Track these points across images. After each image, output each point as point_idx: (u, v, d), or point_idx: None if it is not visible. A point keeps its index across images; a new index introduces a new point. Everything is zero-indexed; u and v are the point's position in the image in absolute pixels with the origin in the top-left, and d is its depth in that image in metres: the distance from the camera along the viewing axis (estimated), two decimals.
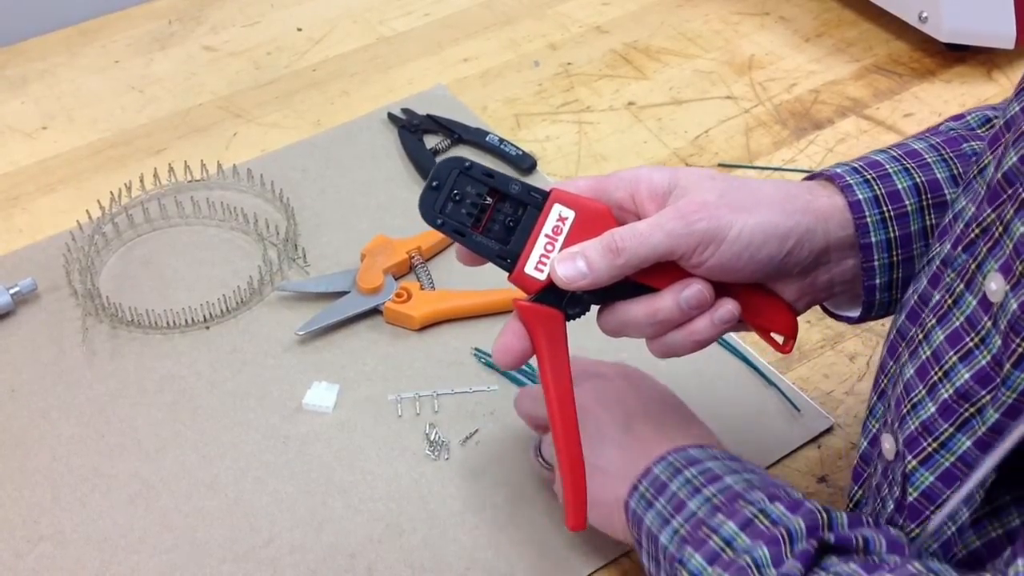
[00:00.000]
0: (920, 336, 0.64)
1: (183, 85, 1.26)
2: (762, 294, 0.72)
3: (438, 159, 1.15)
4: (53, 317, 1.01)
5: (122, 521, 0.86)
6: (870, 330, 0.99)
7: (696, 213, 0.68)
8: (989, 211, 0.61)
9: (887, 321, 0.98)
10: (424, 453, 0.90)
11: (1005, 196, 0.60)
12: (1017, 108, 0.65)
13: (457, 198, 0.70)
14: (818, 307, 0.79)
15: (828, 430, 0.92)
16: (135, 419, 0.93)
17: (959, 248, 0.64)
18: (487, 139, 1.16)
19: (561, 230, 0.70)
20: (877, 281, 0.72)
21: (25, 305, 1.02)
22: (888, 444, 0.66)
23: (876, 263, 0.72)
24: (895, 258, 0.72)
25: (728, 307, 0.70)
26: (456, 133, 1.17)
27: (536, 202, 0.71)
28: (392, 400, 0.94)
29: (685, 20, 1.34)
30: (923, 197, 0.72)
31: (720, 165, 1.15)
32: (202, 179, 1.13)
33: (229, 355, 0.98)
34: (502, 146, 1.15)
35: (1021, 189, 0.58)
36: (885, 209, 0.71)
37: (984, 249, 0.61)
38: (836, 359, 0.97)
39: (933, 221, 0.72)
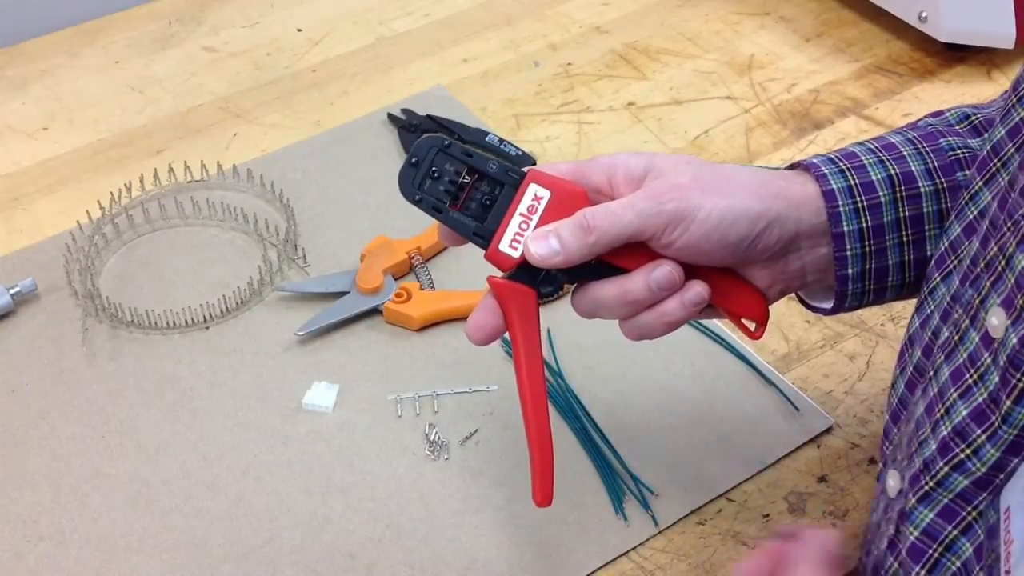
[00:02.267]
0: (930, 373, 0.64)
1: (183, 86, 1.26)
2: (733, 279, 0.73)
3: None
4: (53, 318, 1.01)
5: (122, 521, 0.87)
6: (870, 330, 0.99)
7: (667, 194, 0.69)
8: (992, 245, 0.61)
9: (887, 321, 0.98)
10: (424, 453, 0.91)
11: (1006, 229, 0.60)
12: (1003, 132, 0.65)
13: (436, 175, 0.72)
14: (813, 313, 0.80)
15: (828, 430, 0.92)
16: (135, 419, 0.93)
17: (966, 284, 0.64)
18: (487, 139, 1.16)
19: (536, 209, 0.71)
20: (849, 271, 0.73)
21: (25, 305, 1.02)
22: (893, 481, 0.66)
23: (848, 253, 0.72)
24: (867, 248, 0.72)
25: (697, 288, 0.71)
26: (456, 133, 1.17)
27: (513, 181, 0.72)
28: (392, 400, 0.94)
29: (685, 20, 1.34)
30: (897, 189, 0.73)
31: None
32: (202, 179, 1.13)
33: (229, 355, 0.98)
34: (502, 146, 1.15)
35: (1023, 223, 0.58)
36: (858, 199, 0.72)
37: (987, 284, 0.60)
38: (836, 359, 0.97)
39: (907, 213, 0.73)
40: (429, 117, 1.19)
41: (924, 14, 1.23)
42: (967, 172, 0.72)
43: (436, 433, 0.91)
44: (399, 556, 0.84)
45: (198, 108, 1.23)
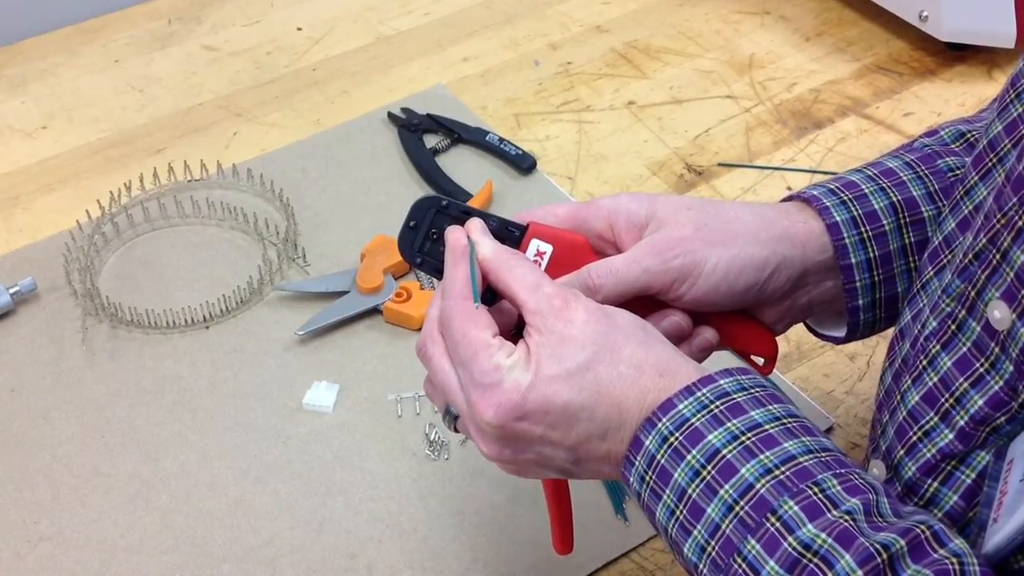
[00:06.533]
0: (924, 362, 0.64)
1: (183, 85, 1.26)
2: (742, 319, 0.73)
3: (437, 158, 1.15)
4: (53, 317, 1.01)
5: (122, 521, 0.86)
6: None
7: (672, 249, 0.69)
8: (982, 237, 0.61)
9: None
10: (424, 453, 0.90)
11: (995, 221, 0.60)
12: (1000, 128, 0.65)
13: (435, 236, 0.71)
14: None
15: (829, 430, 0.92)
16: (135, 419, 0.93)
17: (954, 274, 0.64)
18: (487, 139, 1.16)
19: (540, 264, 0.70)
20: (860, 302, 0.73)
21: (25, 305, 1.02)
22: (877, 471, 0.67)
23: (857, 284, 0.72)
24: (876, 278, 0.72)
25: (706, 336, 0.72)
26: (456, 132, 1.17)
27: (514, 237, 0.71)
28: (392, 400, 0.94)
29: (685, 19, 1.34)
30: (900, 216, 0.73)
31: (720, 164, 1.15)
32: (202, 179, 1.13)
33: (229, 355, 0.98)
34: (502, 146, 1.15)
35: (1017, 218, 0.58)
36: (863, 229, 0.72)
37: (982, 276, 0.61)
38: (836, 359, 0.97)
39: (912, 239, 0.73)
40: (429, 116, 1.19)
41: (925, 13, 1.23)
42: None
43: (436, 433, 0.91)
44: (399, 556, 0.84)
45: (198, 107, 1.23)
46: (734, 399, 0.61)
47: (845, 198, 0.73)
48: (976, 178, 0.66)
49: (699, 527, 0.59)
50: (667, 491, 0.60)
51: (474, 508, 0.87)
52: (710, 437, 0.59)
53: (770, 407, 0.61)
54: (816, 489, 0.57)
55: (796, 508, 0.57)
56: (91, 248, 1.06)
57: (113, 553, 0.85)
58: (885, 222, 0.72)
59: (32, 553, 0.85)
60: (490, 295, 0.67)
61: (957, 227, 0.67)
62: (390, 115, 1.20)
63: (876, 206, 0.72)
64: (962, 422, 0.61)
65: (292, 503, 0.87)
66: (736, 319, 0.73)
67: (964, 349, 0.62)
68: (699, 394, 0.61)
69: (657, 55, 1.29)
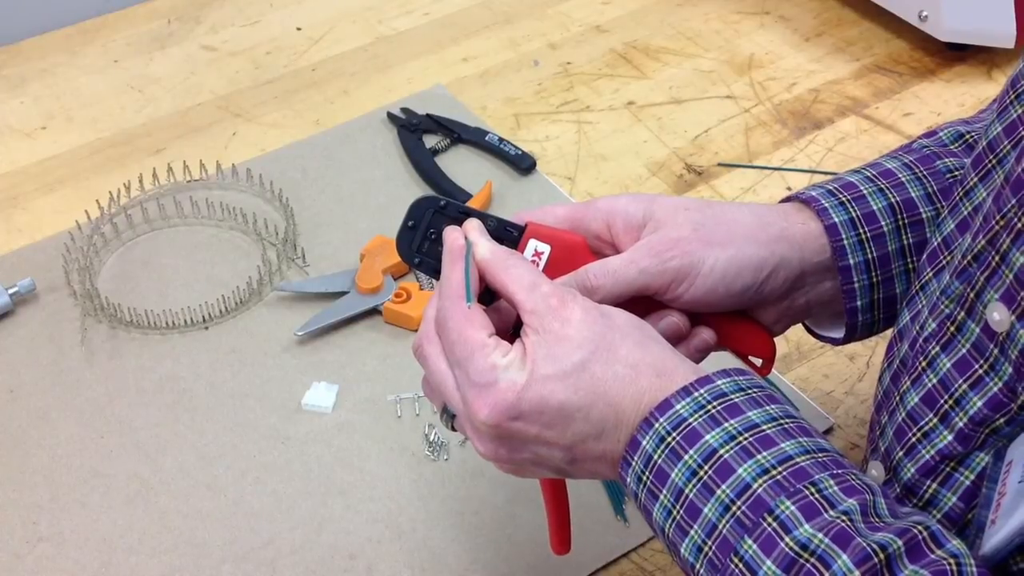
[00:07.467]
0: (923, 363, 0.64)
1: (182, 85, 1.26)
2: (740, 320, 0.73)
3: (437, 158, 1.15)
4: (52, 317, 1.01)
5: (121, 522, 0.86)
6: None
7: (669, 251, 0.69)
8: (981, 239, 0.61)
9: None
10: (424, 454, 0.90)
11: (994, 223, 0.60)
12: (999, 129, 0.65)
13: (433, 236, 0.71)
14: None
15: (828, 430, 0.92)
16: (134, 419, 0.93)
17: (953, 276, 0.64)
18: (486, 139, 1.16)
19: (538, 264, 0.71)
20: (858, 303, 0.73)
21: (24, 305, 1.02)
22: (876, 472, 0.67)
23: (856, 285, 0.72)
24: (875, 279, 0.73)
25: (703, 336, 0.72)
26: (456, 133, 1.17)
27: (512, 237, 0.71)
28: (392, 400, 0.94)
29: (685, 19, 1.34)
30: (899, 217, 0.73)
31: (720, 165, 1.15)
32: (201, 179, 1.13)
33: (228, 355, 0.98)
34: (502, 146, 1.15)
35: (1016, 220, 0.58)
36: (861, 231, 0.72)
37: (981, 278, 0.61)
38: (836, 359, 0.97)
39: (910, 240, 0.73)
40: (429, 116, 1.19)
41: (924, 13, 1.23)
42: None
43: (436, 434, 0.91)
44: (399, 557, 0.84)
45: (197, 107, 1.23)
46: (731, 399, 0.61)
47: (844, 199, 0.73)
48: (975, 179, 0.66)
49: (696, 527, 0.59)
50: (664, 491, 0.60)
51: (473, 508, 0.87)
52: (707, 437, 0.59)
53: (767, 408, 0.61)
54: (813, 489, 0.57)
55: (793, 508, 0.57)
56: (90, 248, 1.05)
57: (112, 553, 0.85)
58: (884, 223, 0.72)
59: (31, 554, 0.85)
60: (488, 295, 0.67)
61: (956, 228, 0.67)
62: (389, 115, 1.20)
63: (875, 207, 0.73)
64: (961, 423, 0.61)
65: (291, 504, 0.87)
66: (734, 320, 0.73)
67: (963, 351, 0.62)
68: (696, 394, 0.61)
69: (657, 55, 1.29)
